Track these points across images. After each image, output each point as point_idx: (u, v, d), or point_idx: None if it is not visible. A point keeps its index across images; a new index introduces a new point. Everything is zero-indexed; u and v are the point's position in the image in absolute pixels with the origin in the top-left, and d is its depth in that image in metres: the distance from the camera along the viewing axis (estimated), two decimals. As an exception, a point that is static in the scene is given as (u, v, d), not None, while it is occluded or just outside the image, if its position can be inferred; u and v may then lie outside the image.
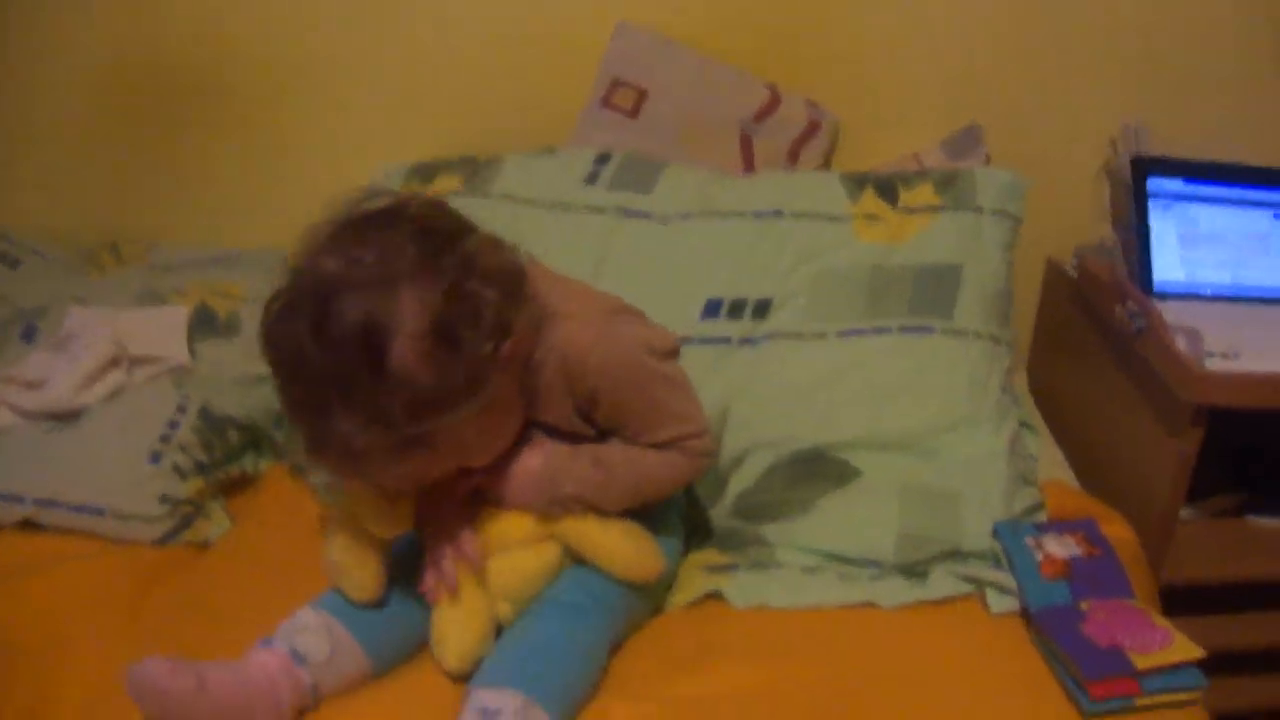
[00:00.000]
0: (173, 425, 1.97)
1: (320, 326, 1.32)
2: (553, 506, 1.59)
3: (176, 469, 1.91)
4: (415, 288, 1.35)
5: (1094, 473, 2.20)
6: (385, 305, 1.33)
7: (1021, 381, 2.50)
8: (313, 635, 1.48)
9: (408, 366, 1.34)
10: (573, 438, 1.64)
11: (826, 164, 2.45)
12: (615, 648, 1.60)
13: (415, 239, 1.39)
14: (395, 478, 1.46)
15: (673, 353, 1.70)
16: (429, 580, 1.56)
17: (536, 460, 1.60)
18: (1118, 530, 1.89)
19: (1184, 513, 2.16)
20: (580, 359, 1.55)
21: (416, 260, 1.37)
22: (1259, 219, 2.36)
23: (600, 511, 1.60)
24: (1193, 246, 2.31)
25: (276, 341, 1.38)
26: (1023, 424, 2.08)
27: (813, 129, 2.37)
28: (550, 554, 1.61)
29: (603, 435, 1.66)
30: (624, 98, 2.37)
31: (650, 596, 1.69)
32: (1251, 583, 2.15)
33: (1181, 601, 1.96)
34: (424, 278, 1.36)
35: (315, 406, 1.36)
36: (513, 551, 1.59)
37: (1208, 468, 2.01)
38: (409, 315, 1.34)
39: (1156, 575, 1.99)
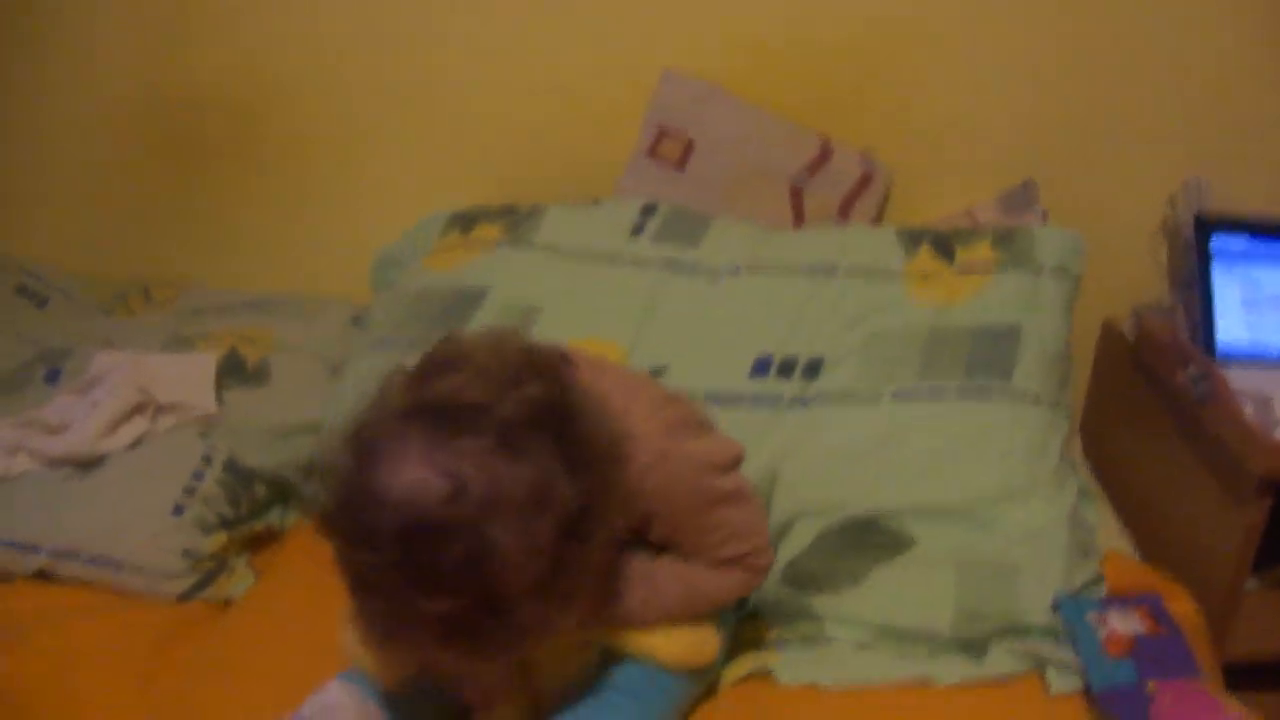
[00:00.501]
0: (197, 476, 1.92)
1: (419, 573, 1.17)
2: (598, 624, 1.49)
3: (200, 522, 1.87)
4: (523, 519, 1.19)
5: (1153, 543, 2.12)
6: (489, 543, 1.17)
7: (1076, 448, 2.43)
8: (342, 714, 1.41)
9: (521, 594, 1.20)
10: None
11: (878, 219, 2.39)
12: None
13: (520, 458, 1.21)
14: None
15: (736, 463, 1.60)
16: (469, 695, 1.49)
17: None
18: (1180, 604, 1.81)
19: (1247, 584, 2.08)
20: (638, 482, 1.41)
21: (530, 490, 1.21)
22: None
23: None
24: (1257, 309, 2.23)
25: (356, 569, 1.22)
26: (1081, 492, 2.00)
27: (866, 182, 2.31)
28: (596, 647, 1.53)
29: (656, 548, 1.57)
30: (670, 148, 2.33)
31: (703, 678, 1.62)
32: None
33: (1245, 676, 1.90)
34: (531, 509, 1.20)
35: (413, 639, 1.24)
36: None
37: (1271, 536, 1.94)
38: (515, 550, 1.18)
39: (1220, 650, 1.93)
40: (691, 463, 1.52)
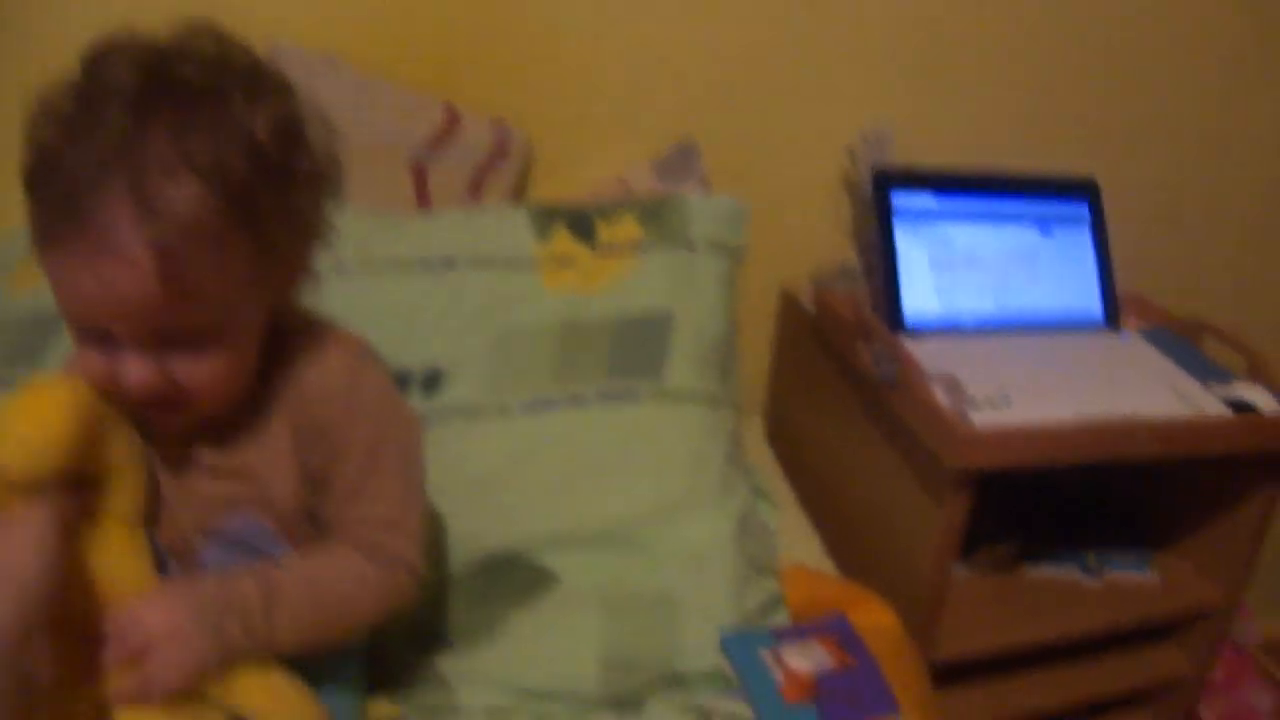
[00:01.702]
0: None
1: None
2: (219, 656, 1.19)
3: None
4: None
5: (847, 544, 1.99)
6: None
7: (756, 437, 2.28)
8: None
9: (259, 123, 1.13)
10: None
11: (519, 195, 2.17)
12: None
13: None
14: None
15: (419, 437, 1.42)
16: None
17: (178, 600, 1.19)
18: (877, 617, 1.66)
19: (957, 570, 2.03)
20: (324, 391, 1.29)
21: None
22: (1024, 234, 2.18)
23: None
24: (948, 271, 2.10)
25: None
26: (757, 494, 1.86)
27: (499, 153, 2.07)
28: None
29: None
30: (279, 128, 2.02)
31: None
32: (1033, 645, 2.03)
33: (957, 672, 1.92)
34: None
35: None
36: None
37: (978, 514, 1.81)
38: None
39: (928, 652, 1.86)
40: (383, 398, 1.36)
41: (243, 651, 1.17)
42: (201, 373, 1.16)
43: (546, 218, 1.91)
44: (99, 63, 1.09)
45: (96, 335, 1.11)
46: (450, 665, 1.52)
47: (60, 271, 1.07)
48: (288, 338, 1.29)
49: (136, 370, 1.12)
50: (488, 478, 1.67)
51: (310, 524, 1.32)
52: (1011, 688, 2.06)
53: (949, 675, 1.91)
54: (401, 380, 1.74)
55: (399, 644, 1.54)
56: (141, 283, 1.04)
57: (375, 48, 2.08)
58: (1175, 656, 2.19)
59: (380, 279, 1.83)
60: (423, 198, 2.05)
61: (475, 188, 2.07)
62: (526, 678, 1.50)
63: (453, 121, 2.03)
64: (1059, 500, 2.33)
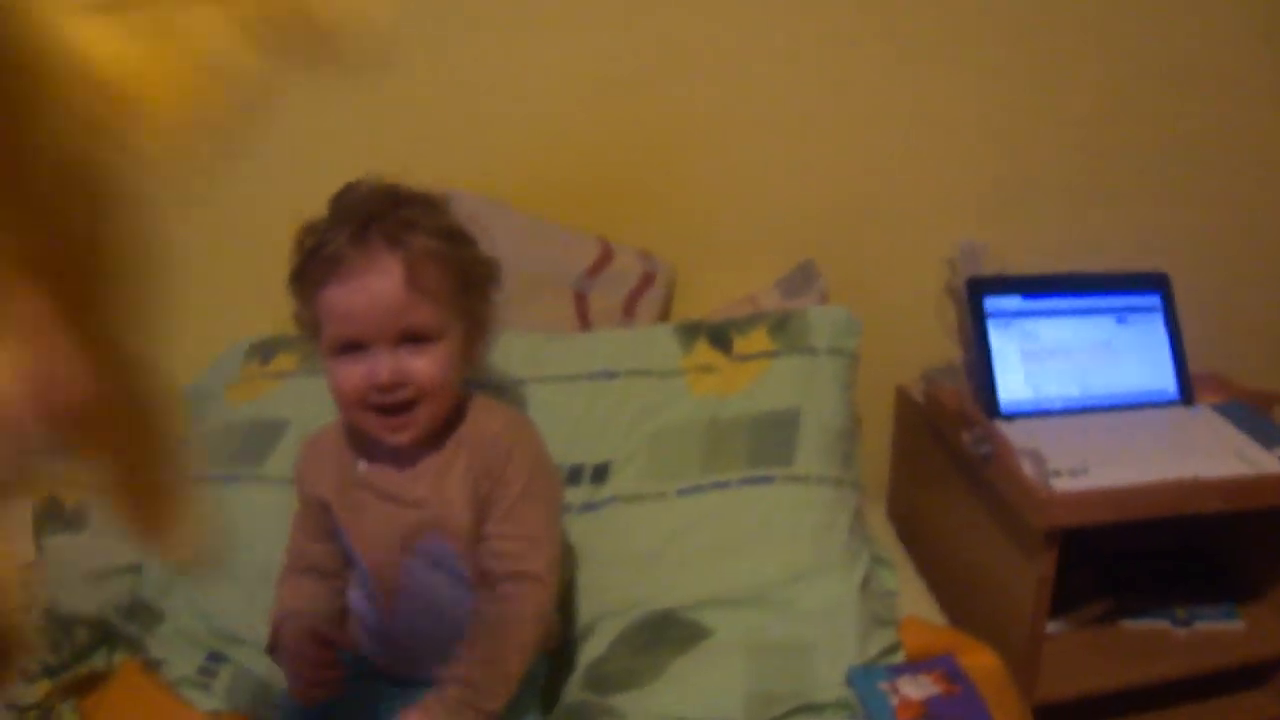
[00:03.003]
0: (16, 625, 1.89)
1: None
2: None
3: (21, 672, 1.84)
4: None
5: (959, 601, 2.17)
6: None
7: (879, 515, 2.48)
8: None
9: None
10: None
11: (665, 314, 2.43)
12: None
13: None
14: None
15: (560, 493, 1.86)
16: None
17: (436, 706, 1.53)
18: (981, 659, 1.84)
19: (1054, 626, 2.16)
20: (495, 436, 1.68)
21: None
22: (1101, 325, 2.38)
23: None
24: (1037, 362, 2.32)
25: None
26: (878, 561, 2.05)
27: (647, 280, 2.35)
28: None
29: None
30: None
31: None
32: (1129, 690, 2.15)
33: (1058, 716, 1.98)
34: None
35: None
36: None
37: (1077, 575, 2.05)
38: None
39: (1030, 696, 2.00)
40: (538, 448, 1.75)
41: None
42: (427, 365, 1.58)
43: (690, 333, 2.19)
44: (341, 194, 1.62)
45: (354, 350, 1.57)
46: (622, 702, 1.78)
47: (336, 298, 1.56)
48: (467, 403, 1.71)
49: (386, 362, 1.56)
50: (650, 551, 1.95)
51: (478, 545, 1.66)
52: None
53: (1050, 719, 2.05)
54: (574, 474, 2.04)
55: (583, 690, 1.84)
56: (395, 287, 1.53)
57: (538, 192, 2.37)
58: (1264, 701, 2.27)
59: (553, 389, 2.13)
60: (583, 319, 2.34)
61: (628, 309, 2.35)
62: (684, 711, 1.75)
63: (607, 254, 2.33)
64: (1151, 563, 2.45)
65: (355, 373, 1.58)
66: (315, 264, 1.56)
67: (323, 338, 1.59)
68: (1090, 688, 2.14)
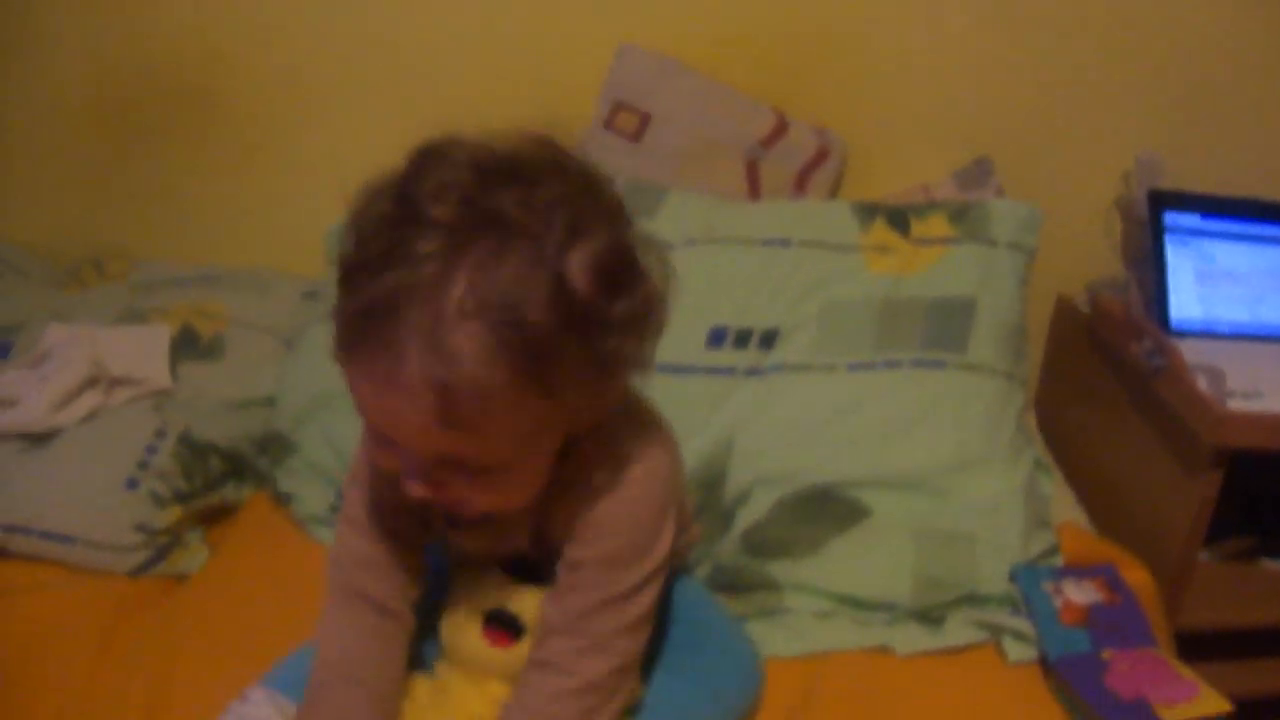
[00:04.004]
0: (151, 450, 1.89)
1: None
2: None
3: (154, 496, 1.83)
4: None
5: (1108, 514, 2.13)
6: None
7: (1031, 421, 2.43)
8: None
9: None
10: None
11: (834, 193, 2.38)
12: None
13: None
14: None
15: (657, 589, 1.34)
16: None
17: None
18: (1135, 575, 1.83)
19: (1200, 555, 2.10)
20: (592, 490, 1.26)
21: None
22: (1278, 255, 2.32)
23: None
24: (1210, 283, 2.26)
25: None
26: (1037, 464, 2.01)
27: (821, 156, 2.30)
28: None
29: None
30: (626, 121, 2.30)
31: None
32: (1268, 628, 2.11)
33: (1195, 647, 1.90)
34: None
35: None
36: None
37: (1221, 510, 1.96)
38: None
39: (1173, 620, 1.96)
40: (657, 522, 1.31)
41: None
42: (478, 498, 1.19)
43: (867, 212, 2.13)
44: (425, 174, 1.10)
45: (386, 439, 1.15)
46: (781, 571, 1.76)
47: (353, 382, 1.10)
48: (585, 445, 1.26)
49: (414, 486, 1.15)
50: (814, 423, 1.91)
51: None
52: (1243, 670, 2.10)
53: (1185, 648, 1.93)
54: (742, 338, 2.00)
55: (740, 554, 1.80)
56: (421, 416, 1.05)
57: (715, 55, 2.33)
58: None
59: (726, 251, 2.08)
60: (754, 189, 2.30)
61: (800, 184, 2.31)
62: (848, 588, 1.73)
63: (782, 125, 2.29)
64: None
65: (384, 460, 1.21)
66: (341, 290, 1.11)
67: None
68: (1230, 621, 2.10)
